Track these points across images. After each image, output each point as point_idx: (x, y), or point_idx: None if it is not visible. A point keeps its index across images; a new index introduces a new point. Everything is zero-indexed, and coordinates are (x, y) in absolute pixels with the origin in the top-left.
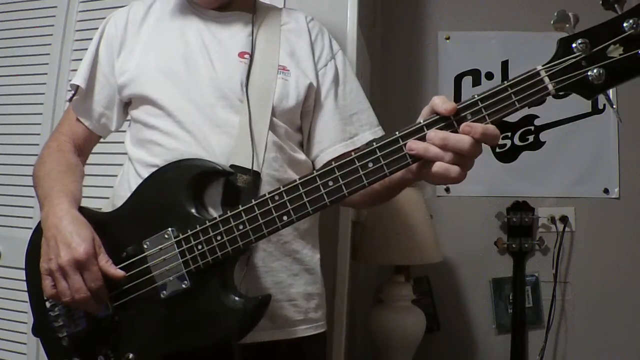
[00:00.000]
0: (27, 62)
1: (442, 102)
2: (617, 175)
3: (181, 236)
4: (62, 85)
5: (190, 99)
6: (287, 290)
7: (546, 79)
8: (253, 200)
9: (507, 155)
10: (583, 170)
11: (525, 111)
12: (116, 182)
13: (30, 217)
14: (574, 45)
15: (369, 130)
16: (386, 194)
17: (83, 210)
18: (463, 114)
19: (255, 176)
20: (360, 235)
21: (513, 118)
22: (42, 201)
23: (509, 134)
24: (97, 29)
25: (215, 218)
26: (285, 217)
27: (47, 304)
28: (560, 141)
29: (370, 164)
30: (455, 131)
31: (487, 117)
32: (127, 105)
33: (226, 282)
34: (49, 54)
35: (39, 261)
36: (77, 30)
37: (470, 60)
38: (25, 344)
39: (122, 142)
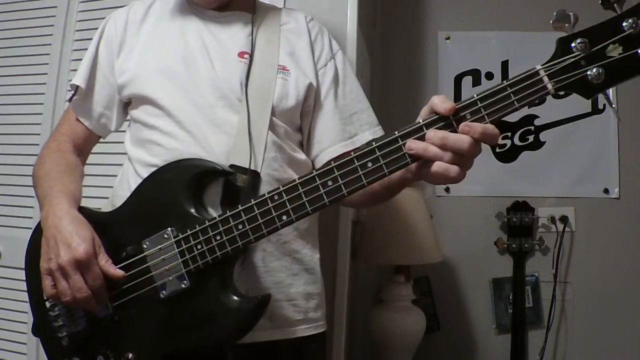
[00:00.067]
0: (27, 62)
1: (441, 102)
2: (617, 175)
3: (180, 236)
4: (62, 85)
5: (190, 98)
6: (287, 290)
7: (545, 79)
8: (252, 200)
9: (507, 155)
10: (583, 170)
11: (525, 111)
12: (116, 182)
13: (30, 217)
14: (573, 44)
15: (368, 130)
16: (386, 194)
17: (83, 210)
18: (462, 114)
19: (255, 176)
20: (360, 235)
21: (513, 118)
22: (42, 201)
23: (509, 134)
24: (97, 29)
25: (215, 218)
26: (284, 217)
27: (47, 304)
28: (560, 141)
29: (370, 164)
30: (455, 131)
31: (486, 117)
32: (126, 105)
33: (225, 281)
34: (49, 54)
35: (39, 261)
36: (77, 30)
37: (470, 60)
38: (25, 344)
39: (122, 142)
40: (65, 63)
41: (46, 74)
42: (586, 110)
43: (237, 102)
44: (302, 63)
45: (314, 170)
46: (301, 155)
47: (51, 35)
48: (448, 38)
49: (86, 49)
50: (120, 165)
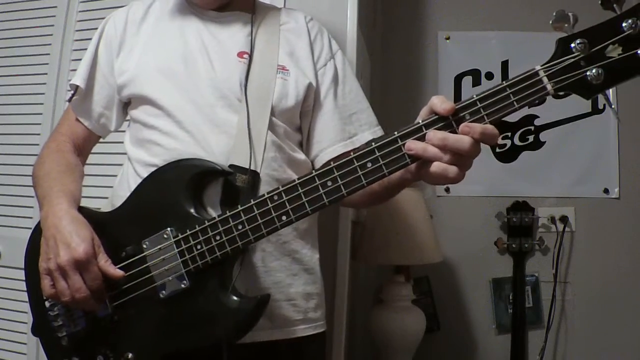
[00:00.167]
0: (27, 62)
1: (440, 102)
2: (617, 175)
3: (180, 236)
4: (62, 85)
5: (190, 98)
6: (286, 290)
7: (545, 79)
8: (252, 200)
9: (507, 155)
10: (583, 170)
11: (525, 111)
12: (115, 182)
13: (30, 217)
14: (572, 45)
15: (368, 130)
16: (385, 194)
17: (82, 210)
18: (462, 114)
19: (254, 176)
20: (360, 235)
21: (513, 118)
22: (42, 201)
23: (509, 134)
24: (97, 29)
25: (214, 218)
26: (284, 217)
27: (47, 304)
28: (560, 141)
29: (369, 164)
30: (454, 131)
31: (485, 117)
32: (126, 105)
33: (225, 282)
34: (49, 54)
35: (38, 261)
36: (77, 30)
37: (470, 60)
38: (25, 344)
39: (122, 142)
40: (65, 63)
41: (46, 74)
42: (586, 110)
43: (237, 102)
44: (302, 63)
45: (313, 171)
46: (301, 155)
47: (51, 35)
48: (448, 38)
49: (86, 49)
50: (120, 165)
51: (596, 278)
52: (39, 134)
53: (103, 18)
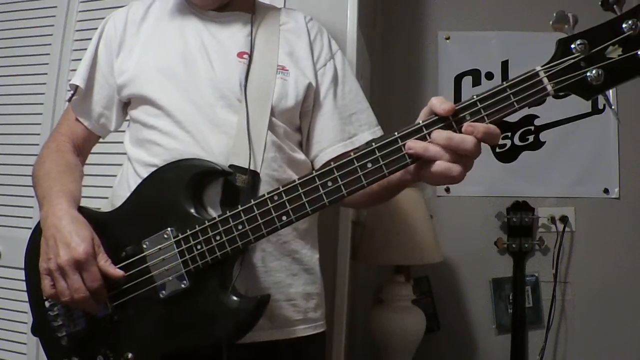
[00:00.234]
0: (27, 62)
1: (440, 103)
2: (617, 175)
3: (180, 236)
4: (62, 85)
5: (190, 98)
6: (286, 290)
7: (545, 80)
8: (252, 201)
9: (507, 155)
10: (583, 170)
11: (525, 111)
12: (115, 182)
13: (30, 217)
14: (573, 46)
15: (368, 130)
16: (385, 195)
17: (82, 210)
18: (462, 115)
19: (254, 176)
20: (360, 236)
21: (513, 118)
22: (41, 201)
23: (509, 134)
24: (97, 29)
25: (214, 218)
26: (284, 217)
27: (46, 304)
28: (560, 141)
29: (369, 165)
30: (455, 132)
31: (486, 118)
32: (126, 105)
33: (225, 282)
34: (49, 54)
35: (38, 261)
36: (77, 30)
37: (470, 60)
38: (25, 344)
39: (122, 142)
40: (65, 63)
41: (46, 74)
42: (586, 110)
43: (237, 102)
44: (302, 63)
45: (313, 171)
46: (300, 156)
47: (51, 35)
48: (448, 38)
49: (86, 49)
50: (120, 165)
51: (596, 278)
52: (39, 134)
53: (103, 18)
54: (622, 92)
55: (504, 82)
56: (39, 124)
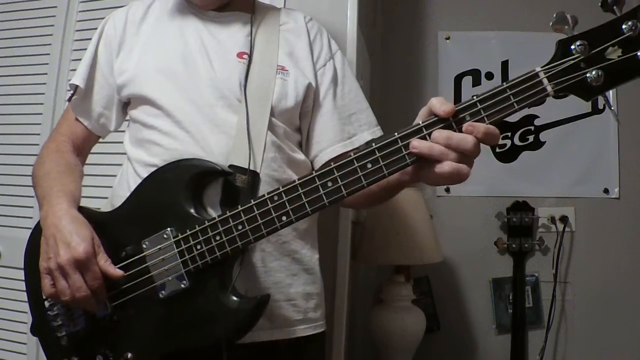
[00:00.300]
0: (27, 62)
1: (440, 104)
2: (617, 175)
3: (180, 236)
4: (62, 85)
5: (189, 98)
6: (286, 290)
7: (545, 81)
8: (252, 201)
9: (507, 155)
10: (583, 170)
11: (526, 111)
12: (115, 182)
13: (30, 217)
14: (572, 47)
15: (367, 131)
16: (384, 195)
17: (82, 210)
18: (462, 115)
19: (254, 176)
20: (360, 236)
21: (513, 118)
22: (41, 201)
23: (509, 134)
24: (97, 29)
25: (214, 218)
26: (284, 218)
27: (46, 304)
28: (560, 141)
29: (369, 165)
30: (455, 132)
31: (485, 119)
32: (126, 105)
33: (225, 282)
34: (49, 54)
35: (38, 260)
36: (77, 30)
37: (470, 60)
38: (25, 344)
39: (121, 142)
40: (65, 63)
41: (46, 74)
42: (586, 110)
43: (236, 102)
44: (301, 63)
45: (313, 171)
46: (300, 156)
47: (51, 35)
48: (448, 38)
49: (86, 49)
50: (120, 165)
51: (596, 278)
52: (39, 134)
53: (103, 18)
54: (622, 92)
55: (504, 83)
56: (39, 124)
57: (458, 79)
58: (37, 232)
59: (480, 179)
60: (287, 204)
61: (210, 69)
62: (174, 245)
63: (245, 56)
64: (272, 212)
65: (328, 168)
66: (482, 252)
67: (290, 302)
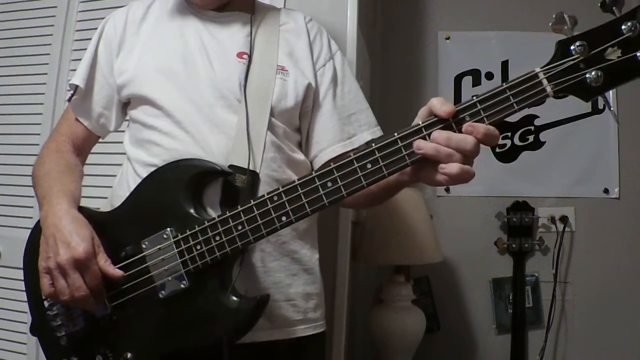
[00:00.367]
0: (27, 62)
1: (440, 104)
2: (617, 175)
3: (180, 236)
4: (62, 85)
5: (189, 98)
6: (286, 290)
7: (545, 81)
8: (252, 201)
9: (507, 155)
10: (583, 170)
11: (525, 111)
12: (115, 182)
13: (30, 217)
14: (572, 47)
15: (367, 131)
16: (383, 195)
17: (82, 210)
18: (461, 116)
19: (254, 176)
20: (360, 236)
21: (513, 118)
22: (41, 201)
23: (509, 134)
24: (97, 29)
25: (214, 218)
26: (284, 218)
27: (46, 303)
28: (560, 141)
29: (369, 165)
30: (455, 132)
31: (485, 119)
32: (126, 105)
33: (225, 282)
34: (49, 54)
35: (37, 260)
36: (77, 30)
37: (470, 60)
38: (25, 344)
39: (121, 142)
40: (65, 63)
41: (46, 74)
42: (586, 110)
43: (236, 103)
44: (301, 63)
45: (313, 172)
46: (300, 156)
47: (51, 35)
48: (448, 38)
49: (86, 49)
50: (120, 165)
51: (596, 278)
52: (39, 134)
53: (103, 18)
54: (622, 92)
55: (504, 83)
56: (39, 124)
57: (458, 79)
58: (36, 232)
59: (480, 179)
60: (286, 204)
61: (210, 69)
62: (174, 246)
63: (245, 56)
64: (272, 212)
65: (328, 168)
66: (482, 252)
67: (290, 302)
